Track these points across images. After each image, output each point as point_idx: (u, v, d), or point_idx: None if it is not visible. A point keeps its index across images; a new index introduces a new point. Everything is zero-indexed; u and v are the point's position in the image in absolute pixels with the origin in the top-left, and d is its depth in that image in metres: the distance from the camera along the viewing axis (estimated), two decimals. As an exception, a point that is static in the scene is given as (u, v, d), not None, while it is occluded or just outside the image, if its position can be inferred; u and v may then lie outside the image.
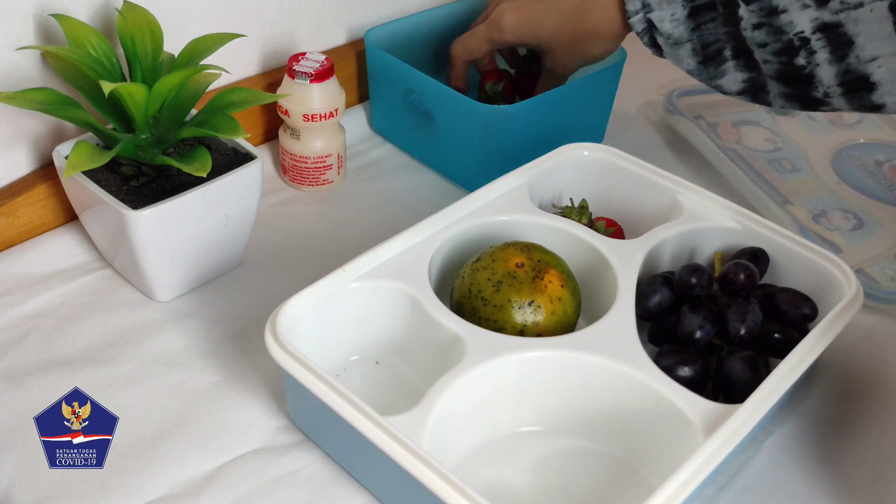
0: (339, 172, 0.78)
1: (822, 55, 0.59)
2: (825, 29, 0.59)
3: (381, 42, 0.81)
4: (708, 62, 0.65)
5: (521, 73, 0.85)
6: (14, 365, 0.60)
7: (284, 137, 0.76)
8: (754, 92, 0.65)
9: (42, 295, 0.65)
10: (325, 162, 0.76)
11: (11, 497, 0.52)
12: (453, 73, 0.80)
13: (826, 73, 0.60)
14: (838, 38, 0.58)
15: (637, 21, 0.67)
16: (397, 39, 0.83)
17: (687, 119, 0.87)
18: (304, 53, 0.73)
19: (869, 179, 0.82)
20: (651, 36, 0.67)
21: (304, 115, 0.73)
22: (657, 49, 0.68)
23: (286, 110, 0.73)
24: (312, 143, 0.75)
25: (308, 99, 0.72)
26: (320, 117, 0.73)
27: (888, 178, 0.82)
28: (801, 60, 0.60)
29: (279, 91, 0.74)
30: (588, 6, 0.71)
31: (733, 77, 0.65)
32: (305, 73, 0.71)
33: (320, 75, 0.72)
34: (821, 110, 0.63)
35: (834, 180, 0.81)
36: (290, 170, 0.77)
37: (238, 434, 0.56)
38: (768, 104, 0.65)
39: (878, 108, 0.60)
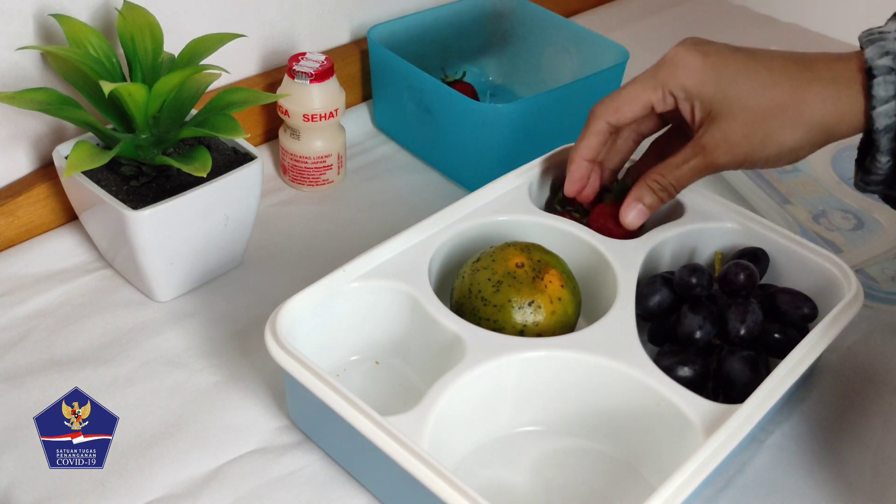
0: (339, 172, 0.78)
1: None
2: None
3: (385, 40, 0.81)
4: None
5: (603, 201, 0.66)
6: (14, 365, 0.60)
7: (284, 137, 0.76)
8: None
9: (42, 295, 0.65)
10: (325, 162, 0.76)
11: (11, 497, 0.52)
12: (582, 144, 0.61)
13: None
14: None
15: (885, 113, 0.50)
16: (401, 38, 0.83)
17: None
18: (304, 53, 0.73)
19: (869, 179, 0.82)
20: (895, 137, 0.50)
21: (304, 115, 0.73)
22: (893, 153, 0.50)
23: (286, 110, 0.73)
24: (312, 143, 0.75)
25: (308, 99, 0.72)
26: (320, 117, 0.73)
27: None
28: None
29: (279, 91, 0.74)
30: (811, 77, 0.52)
31: None
32: (305, 73, 0.71)
33: (320, 75, 0.72)
34: None
35: (834, 180, 0.81)
36: (290, 170, 0.77)
37: (238, 434, 0.56)
38: None
39: None
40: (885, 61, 0.50)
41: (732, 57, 0.55)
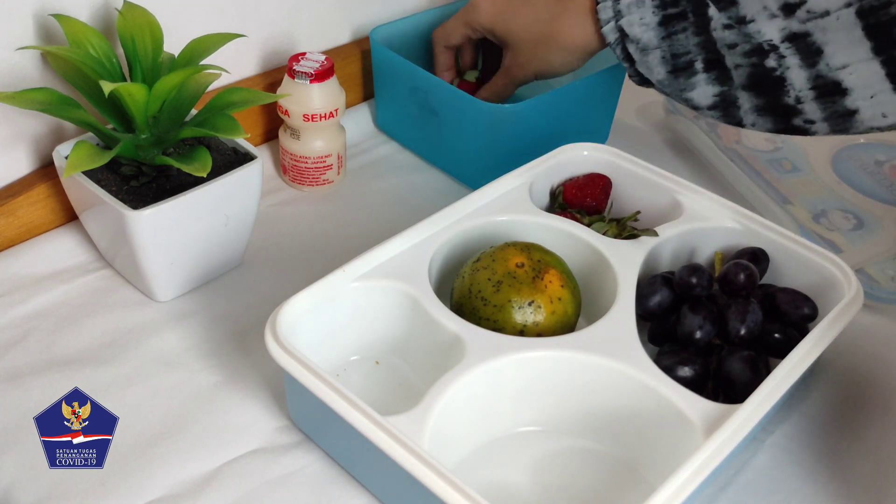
0: (339, 172, 0.78)
1: (793, 60, 0.59)
2: (793, 38, 0.58)
3: (387, 40, 0.81)
4: (678, 72, 0.64)
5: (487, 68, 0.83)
6: (14, 365, 0.60)
7: (284, 137, 0.76)
8: (725, 107, 0.63)
9: (42, 295, 0.65)
10: (325, 162, 0.76)
11: (11, 497, 0.52)
12: (436, 62, 0.80)
13: (797, 77, 0.59)
14: (807, 47, 0.58)
15: (609, 30, 0.66)
16: (402, 38, 0.83)
17: (687, 119, 0.87)
18: (304, 53, 0.73)
19: (869, 179, 0.82)
20: (623, 46, 0.66)
21: (304, 115, 0.73)
22: (629, 61, 0.67)
23: (286, 110, 0.73)
24: (312, 143, 0.75)
25: (308, 99, 0.72)
26: (320, 117, 0.73)
27: (888, 178, 0.82)
28: (771, 62, 0.60)
29: (279, 91, 0.74)
30: (562, 10, 0.70)
31: (704, 91, 0.64)
32: (305, 73, 0.71)
33: (320, 75, 0.72)
34: (793, 129, 0.62)
35: (834, 180, 0.81)
36: (291, 170, 0.77)
37: (238, 434, 0.56)
38: (739, 122, 0.64)
39: (851, 114, 0.58)
40: None
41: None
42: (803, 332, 0.56)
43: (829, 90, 0.58)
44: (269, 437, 0.56)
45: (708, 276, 0.59)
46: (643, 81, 0.68)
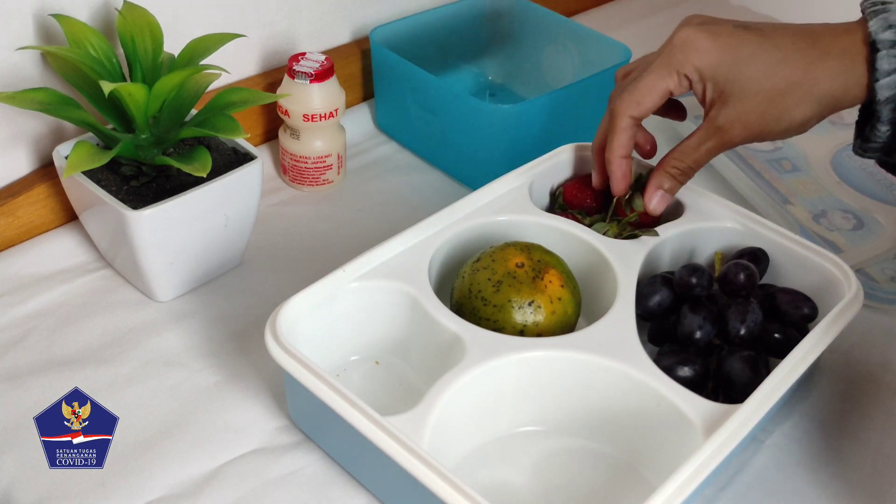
0: (339, 172, 0.78)
1: None
2: None
3: (387, 41, 0.81)
4: None
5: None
6: (14, 365, 0.60)
7: (284, 137, 0.76)
8: None
9: (42, 295, 0.65)
10: (324, 162, 0.76)
11: (11, 497, 0.52)
12: (616, 140, 0.61)
13: None
14: None
15: (888, 85, 0.52)
16: (403, 38, 0.83)
17: (687, 119, 0.87)
18: (304, 53, 0.73)
19: (869, 179, 0.82)
20: (894, 107, 0.52)
21: (303, 115, 0.73)
22: (893, 126, 0.53)
23: (286, 110, 0.73)
24: (312, 143, 0.75)
25: (308, 99, 0.72)
26: (320, 117, 0.73)
27: (888, 178, 0.82)
28: None
29: (279, 91, 0.74)
30: (821, 54, 0.54)
31: None
32: (305, 73, 0.71)
33: (320, 75, 0.72)
34: None
35: (834, 180, 0.81)
36: (290, 170, 0.77)
37: (238, 434, 0.56)
38: None
39: None
40: (888, 35, 0.52)
41: (743, 37, 0.56)
42: (803, 332, 0.56)
43: None
44: (269, 437, 0.56)
45: (708, 276, 0.59)
46: (887, 150, 0.55)
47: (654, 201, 0.62)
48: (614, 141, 0.61)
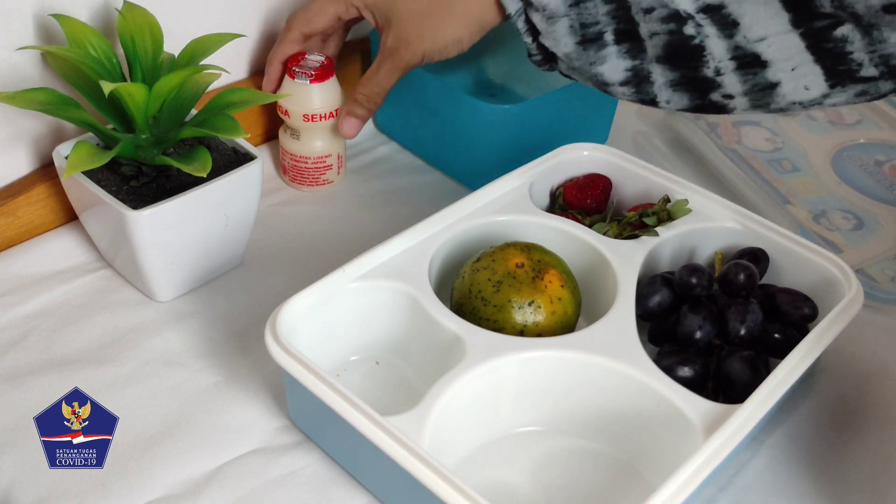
0: (339, 172, 0.78)
1: (710, 30, 0.54)
2: (708, 10, 0.54)
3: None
4: (587, 44, 0.58)
5: None
6: (14, 365, 0.60)
7: (284, 137, 0.76)
8: (638, 83, 0.58)
9: (42, 295, 0.65)
10: (325, 162, 0.76)
11: (11, 497, 0.52)
12: (281, 48, 0.72)
13: (717, 47, 0.54)
14: (723, 19, 0.54)
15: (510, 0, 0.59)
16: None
17: (687, 119, 0.87)
18: (303, 54, 0.73)
19: (869, 179, 0.82)
20: (526, 17, 0.60)
21: (304, 116, 0.73)
22: (532, 34, 0.60)
23: (286, 110, 0.73)
24: (312, 144, 0.75)
25: (308, 99, 0.72)
26: (320, 117, 0.73)
27: (888, 178, 0.82)
28: (690, 30, 0.55)
29: (279, 91, 0.74)
30: None
31: (615, 65, 0.57)
32: (305, 73, 0.71)
33: (320, 75, 0.72)
34: (711, 106, 0.57)
35: (834, 180, 0.81)
36: (290, 170, 0.77)
37: (238, 434, 0.56)
38: (653, 99, 0.58)
39: (773, 87, 0.54)
40: None
41: None
42: (803, 332, 0.56)
43: (749, 62, 0.54)
44: (269, 437, 0.56)
45: (708, 276, 0.59)
46: (546, 59, 0.62)
47: (346, 126, 0.70)
48: (278, 48, 0.72)
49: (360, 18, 0.69)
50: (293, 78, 0.72)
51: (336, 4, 0.68)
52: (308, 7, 0.70)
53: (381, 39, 0.67)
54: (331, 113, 0.73)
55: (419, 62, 0.66)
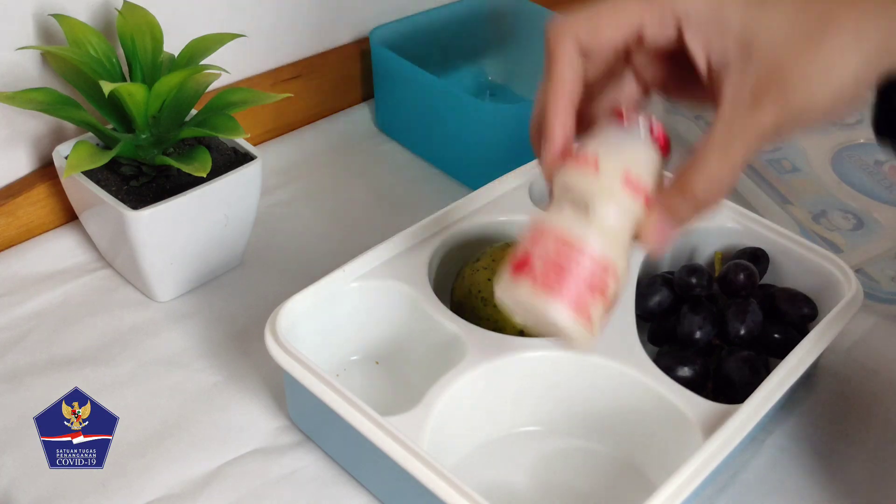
0: (615, 289, 0.43)
1: None
2: None
3: (387, 41, 0.81)
4: None
5: None
6: (14, 365, 0.60)
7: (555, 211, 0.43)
8: None
9: (42, 295, 0.65)
10: (610, 260, 0.41)
11: (11, 497, 0.52)
12: (556, 78, 0.40)
13: None
14: None
15: None
16: (403, 38, 0.83)
17: (687, 119, 0.87)
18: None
19: (869, 179, 0.82)
20: None
21: (625, 177, 0.41)
22: None
23: (594, 158, 0.41)
24: (605, 223, 0.41)
25: (638, 158, 0.41)
26: (641, 191, 0.41)
27: (888, 178, 0.82)
28: None
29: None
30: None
31: None
32: (648, 121, 0.42)
33: (664, 141, 0.43)
34: None
35: (834, 180, 0.81)
36: (538, 261, 0.41)
37: (238, 434, 0.56)
38: None
39: None
40: None
41: None
42: (803, 332, 0.56)
43: None
44: (269, 437, 0.56)
45: (708, 276, 0.59)
46: None
47: (658, 235, 0.40)
48: (554, 74, 0.40)
49: (665, 54, 0.41)
50: (623, 121, 0.42)
51: (644, 11, 0.39)
52: (596, 9, 0.40)
53: (719, 82, 0.38)
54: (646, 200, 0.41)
55: (794, 124, 0.38)
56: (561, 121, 0.40)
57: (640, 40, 0.39)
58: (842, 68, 0.37)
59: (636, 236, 0.41)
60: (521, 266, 0.41)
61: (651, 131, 0.41)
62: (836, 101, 0.37)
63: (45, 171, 0.69)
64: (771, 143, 0.39)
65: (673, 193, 0.40)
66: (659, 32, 0.39)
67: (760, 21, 0.37)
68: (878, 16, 0.37)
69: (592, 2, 0.40)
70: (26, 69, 0.65)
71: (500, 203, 0.64)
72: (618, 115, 0.42)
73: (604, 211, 0.40)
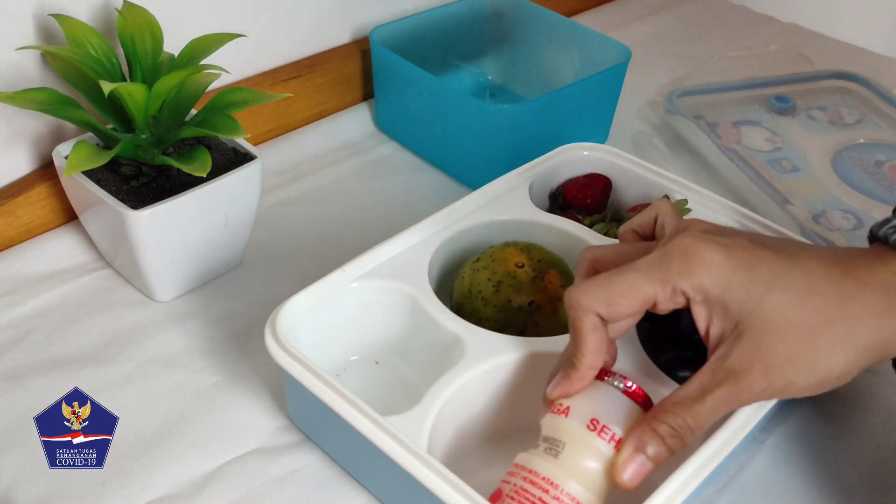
0: None
1: None
2: None
3: (387, 41, 0.81)
4: None
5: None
6: (14, 365, 0.60)
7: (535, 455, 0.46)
8: None
9: (42, 295, 0.65)
10: None
11: (11, 497, 0.52)
12: (585, 342, 0.45)
13: None
14: None
15: None
16: (403, 38, 0.83)
17: (687, 119, 0.87)
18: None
19: (869, 179, 0.82)
20: None
21: (590, 421, 0.45)
22: None
23: (565, 407, 0.46)
24: (578, 465, 0.45)
25: (607, 406, 0.46)
26: (611, 438, 0.44)
27: (888, 178, 0.82)
28: None
29: None
30: (860, 285, 0.42)
31: None
32: (622, 379, 0.47)
33: (642, 398, 0.46)
34: None
35: (834, 180, 0.81)
36: (511, 492, 0.45)
37: (238, 434, 0.56)
38: None
39: None
40: None
41: (762, 255, 0.43)
42: (803, 332, 0.56)
43: None
44: (269, 437, 0.56)
45: (708, 276, 0.58)
46: None
47: (631, 470, 0.43)
48: (582, 345, 0.45)
49: (677, 313, 0.47)
50: (601, 378, 0.47)
51: (657, 286, 0.44)
52: (609, 283, 0.44)
53: (714, 348, 0.44)
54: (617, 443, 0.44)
55: (768, 398, 0.44)
56: (585, 374, 0.46)
57: (646, 307, 0.45)
58: (830, 361, 0.41)
59: (611, 476, 0.44)
60: (494, 499, 0.46)
61: (627, 387, 0.46)
62: (822, 385, 0.42)
63: (45, 171, 0.69)
64: (745, 404, 0.45)
65: (643, 429, 0.43)
66: (670, 304, 0.45)
67: (763, 303, 0.42)
68: (874, 322, 0.41)
69: (606, 270, 0.45)
70: (26, 69, 0.65)
71: (500, 203, 0.64)
72: (600, 376, 0.47)
73: (570, 451, 0.44)
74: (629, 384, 0.46)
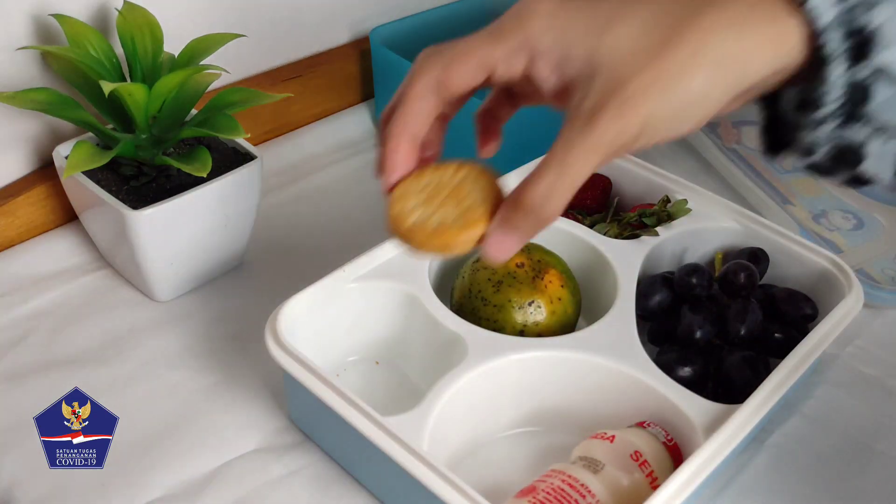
0: None
1: None
2: None
3: (387, 41, 0.81)
4: None
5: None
6: (14, 365, 0.60)
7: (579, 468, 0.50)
8: None
9: (42, 295, 0.65)
10: None
11: (11, 497, 0.52)
12: (406, 107, 0.43)
13: None
14: None
15: (834, 24, 0.34)
16: (403, 38, 0.83)
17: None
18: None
19: (869, 179, 0.82)
20: (851, 58, 0.35)
21: (636, 452, 0.50)
22: (855, 100, 0.35)
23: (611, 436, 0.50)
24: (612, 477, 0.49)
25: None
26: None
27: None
28: None
29: None
30: (707, 2, 0.36)
31: None
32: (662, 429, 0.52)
33: (675, 451, 0.51)
34: None
35: (834, 180, 0.81)
36: (544, 491, 0.48)
37: (238, 434, 0.56)
38: None
39: None
40: None
41: None
42: (803, 332, 0.56)
43: None
44: (269, 437, 0.56)
45: (708, 276, 0.59)
46: (839, 160, 0.38)
47: (495, 248, 0.40)
48: (403, 108, 0.42)
49: (517, 83, 0.42)
50: (643, 426, 0.51)
51: (494, 46, 0.41)
52: (449, 47, 0.42)
53: (567, 101, 0.38)
54: (649, 474, 0.50)
55: (634, 139, 0.36)
56: (402, 157, 0.43)
57: (487, 74, 0.41)
58: (683, 80, 0.36)
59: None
60: (525, 493, 0.49)
61: (667, 438, 0.51)
62: (682, 115, 0.37)
63: (45, 171, 0.69)
64: (621, 155, 0.40)
65: (510, 206, 0.39)
66: (510, 68, 0.41)
67: (604, 41, 0.37)
68: (727, 32, 0.36)
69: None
70: (26, 69, 0.65)
71: (500, 203, 0.64)
72: (641, 424, 0.52)
73: (610, 469, 0.49)
74: (669, 436, 0.51)
